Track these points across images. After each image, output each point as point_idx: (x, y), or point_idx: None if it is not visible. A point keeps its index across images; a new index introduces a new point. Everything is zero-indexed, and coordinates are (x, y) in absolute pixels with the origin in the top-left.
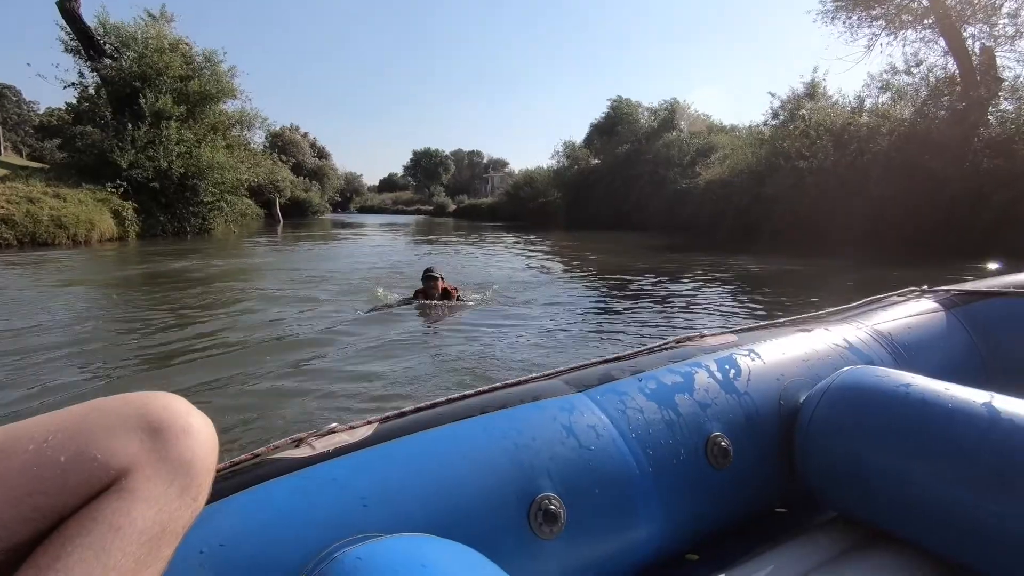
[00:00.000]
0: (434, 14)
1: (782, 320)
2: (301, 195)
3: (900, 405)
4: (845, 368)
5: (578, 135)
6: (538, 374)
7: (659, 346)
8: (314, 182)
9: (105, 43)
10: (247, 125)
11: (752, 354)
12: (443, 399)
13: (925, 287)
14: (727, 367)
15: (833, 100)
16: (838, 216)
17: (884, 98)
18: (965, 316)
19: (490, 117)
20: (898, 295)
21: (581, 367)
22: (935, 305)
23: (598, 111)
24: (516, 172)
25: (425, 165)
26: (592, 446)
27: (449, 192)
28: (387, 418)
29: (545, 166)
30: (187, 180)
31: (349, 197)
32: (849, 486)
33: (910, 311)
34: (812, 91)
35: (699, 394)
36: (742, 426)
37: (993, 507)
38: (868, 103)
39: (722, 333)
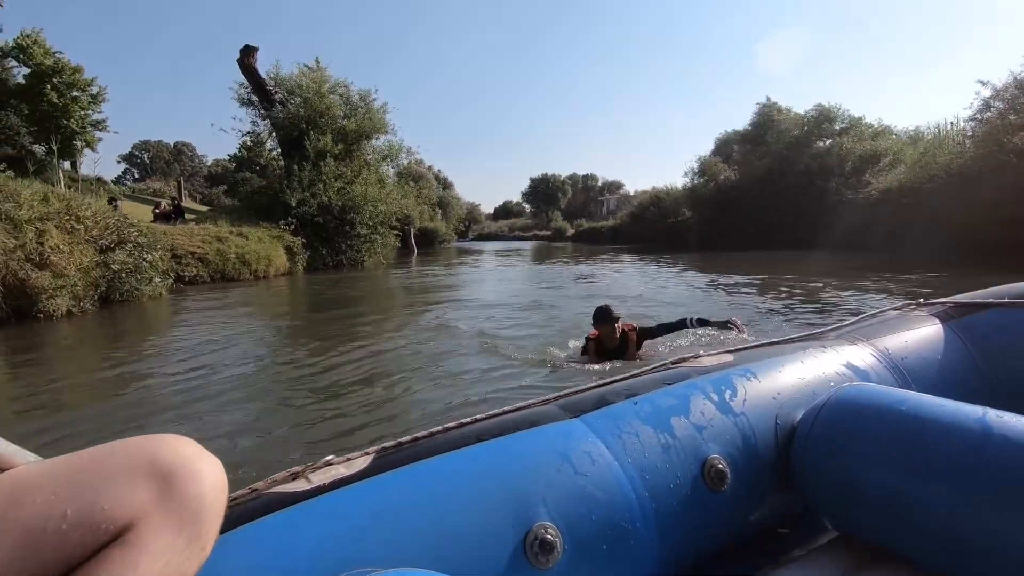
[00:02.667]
0: (543, 44)
1: (778, 338)
2: (429, 225)
3: (896, 422)
4: (841, 385)
5: (697, 152)
6: (534, 400)
7: (655, 367)
8: (438, 211)
9: (275, 93)
10: (393, 157)
11: (748, 374)
12: (440, 428)
13: (921, 300)
14: (723, 388)
15: None
16: None
17: None
18: (961, 328)
19: (602, 140)
20: (894, 309)
21: (576, 392)
22: (931, 319)
23: (724, 125)
24: (632, 193)
25: (543, 191)
26: (588, 472)
27: (565, 216)
28: (384, 449)
29: (668, 185)
30: (345, 214)
31: (468, 225)
32: (848, 505)
33: (906, 326)
34: None
35: (695, 416)
36: (739, 447)
37: (991, 524)
38: None
39: (718, 353)
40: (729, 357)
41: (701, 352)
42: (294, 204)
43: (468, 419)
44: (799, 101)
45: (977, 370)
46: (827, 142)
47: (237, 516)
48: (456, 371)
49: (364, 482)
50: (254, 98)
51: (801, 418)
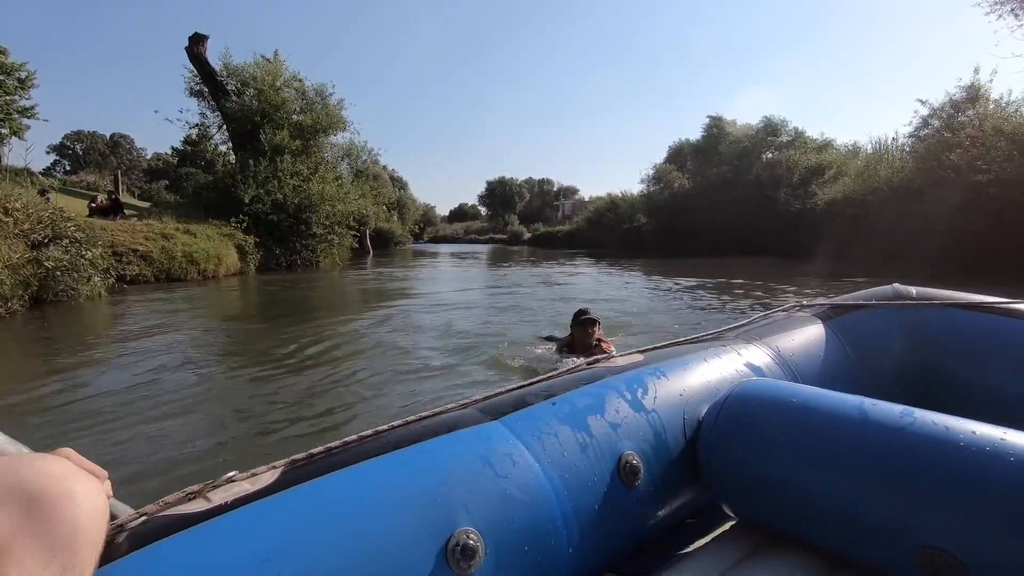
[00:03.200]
0: (499, 46)
1: (684, 339)
2: (384, 226)
3: (787, 413)
4: (740, 382)
5: (652, 160)
6: (452, 404)
7: (571, 368)
8: (393, 213)
9: (227, 84)
10: (355, 156)
11: (658, 373)
12: (354, 438)
13: (803, 302)
14: (635, 386)
15: (1005, 103)
16: None
17: None
18: (838, 327)
19: (558, 146)
20: (783, 311)
21: (495, 395)
22: (814, 319)
23: (673, 135)
24: (587, 198)
25: (500, 194)
26: (509, 475)
27: (521, 220)
28: (294, 462)
29: (624, 191)
30: (301, 213)
31: (423, 227)
32: (747, 492)
33: (793, 325)
34: (974, 95)
35: (610, 414)
36: (651, 443)
37: (868, 502)
38: None
39: (629, 353)
40: (640, 357)
41: (614, 352)
42: (247, 201)
43: (384, 427)
44: (743, 115)
45: (853, 363)
46: (775, 154)
47: (122, 544)
48: (399, 374)
49: (271, 498)
50: (204, 88)
51: (705, 413)
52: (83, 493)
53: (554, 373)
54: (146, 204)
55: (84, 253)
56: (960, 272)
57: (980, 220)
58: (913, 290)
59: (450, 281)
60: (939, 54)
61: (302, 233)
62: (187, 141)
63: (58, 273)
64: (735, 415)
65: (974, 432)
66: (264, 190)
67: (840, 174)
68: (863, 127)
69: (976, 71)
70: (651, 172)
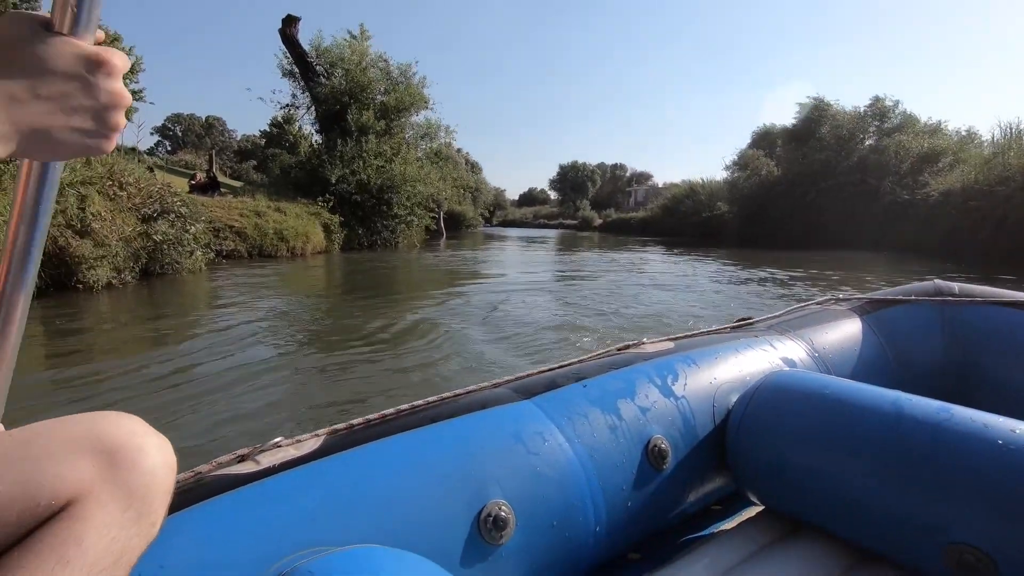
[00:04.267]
0: (574, 31)
1: (716, 328)
2: (457, 208)
3: (819, 405)
4: (771, 372)
5: (735, 146)
6: (486, 383)
7: (602, 353)
8: (467, 195)
9: (317, 65)
10: (433, 135)
11: (688, 361)
12: (392, 411)
13: (840, 296)
14: (665, 373)
15: None
16: None
17: None
18: (875, 322)
19: (631, 130)
20: (818, 303)
21: (528, 376)
22: (850, 312)
23: (757, 121)
24: (660, 185)
25: (571, 178)
26: (539, 452)
27: (592, 206)
28: (335, 431)
29: (705, 178)
30: (383, 194)
31: (493, 211)
32: (774, 481)
33: (828, 319)
34: None
35: (640, 399)
36: (679, 429)
37: (898, 496)
38: None
39: (660, 340)
40: (670, 344)
41: (644, 339)
42: (333, 181)
43: (421, 402)
44: (843, 98)
45: (888, 358)
46: (882, 139)
47: (180, 500)
48: (459, 355)
49: (315, 463)
50: (295, 69)
51: (736, 402)
52: (155, 447)
53: (584, 357)
54: (238, 183)
55: (188, 228)
56: None
57: None
58: (955, 286)
59: (519, 264)
60: None
61: (383, 214)
62: (274, 123)
63: (165, 247)
64: (765, 404)
65: (1013, 431)
66: (349, 170)
67: (957, 161)
68: (972, 115)
69: None
70: (735, 158)
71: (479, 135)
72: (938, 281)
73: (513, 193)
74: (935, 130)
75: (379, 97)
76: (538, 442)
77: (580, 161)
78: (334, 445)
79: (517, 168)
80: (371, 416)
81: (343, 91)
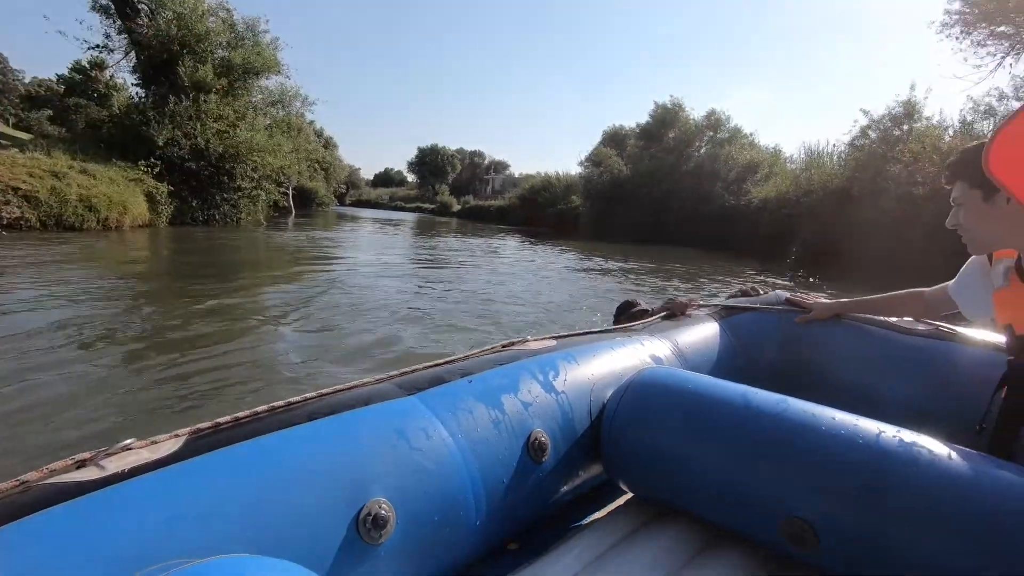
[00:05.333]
0: (440, 9)
1: (596, 329)
2: (308, 185)
3: (681, 398)
4: (642, 368)
5: (589, 143)
6: (369, 379)
7: (487, 350)
8: (319, 172)
9: (140, 3)
10: (287, 104)
11: (569, 358)
12: (265, 408)
13: (701, 303)
14: (547, 369)
15: (935, 122)
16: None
17: (987, 125)
18: (729, 326)
19: (490, 119)
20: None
21: (412, 371)
22: (710, 318)
23: (608, 120)
24: (517, 175)
25: (430, 162)
26: (423, 447)
27: (451, 191)
28: (198, 431)
29: (562, 171)
30: (224, 163)
31: (347, 190)
32: (641, 470)
33: (692, 322)
34: (910, 111)
35: (522, 394)
36: (559, 422)
37: (745, 477)
38: (984, 127)
39: (544, 338)
40: (553, 342)
41: (528, 337)
42: (161, 143)
43: (298, 398)
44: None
45: (739, 357)
46: (714, 148)
47: (1, 514)
48: (320, 346)
49: (174, 466)
50: (109, 4)
51: (610, 396)
52: None
53: (470, 353)
54: (26, 135)
55: None
56: (892, 273)
57: (915, 230)
58: (809, 296)
59: (376, 247)
60: (892, 72)
61: (224, 185)
62: (77, 68)
63: None
64: (635, 399)
65: (833, 418)
66: (182, 132)
67: (772, 174)
68: (805, 135)
69: (912, 88)
70: (587, 155)
71: (335, 109)
72: (780, 292)
73: (369, 172)
74: (752, 144)
75: (220, 52)
76: (421, 438)
77: (440, 145)
78: (198, 447)
79: (374, 147)
80: (240, 414)
81: (173, 38)
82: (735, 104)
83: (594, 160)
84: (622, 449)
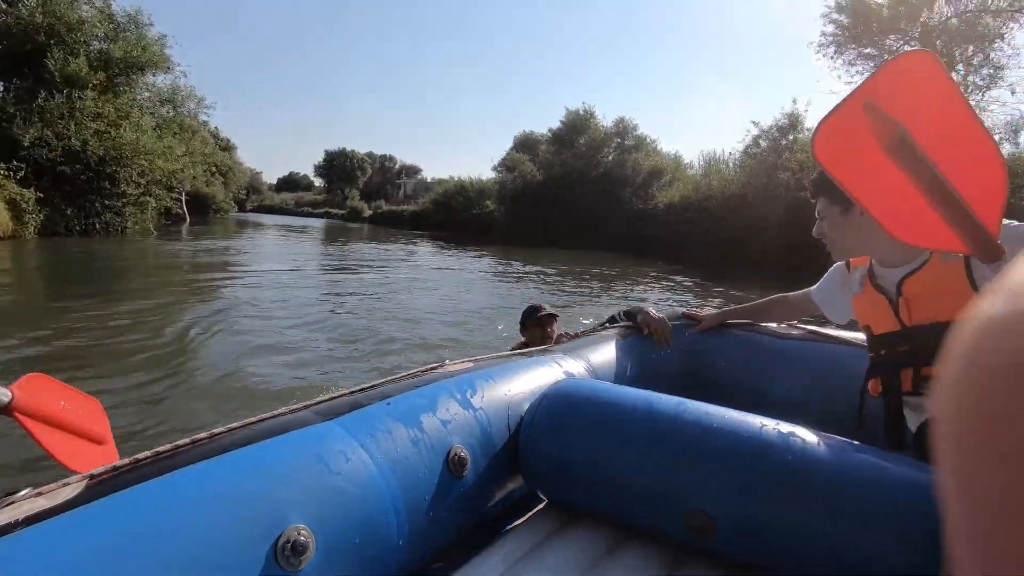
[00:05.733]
0: (350, 9)
1: (512, 352)
2: (204, 190)
3: (591, 406)
4: (556, 382)
5: (501, 147)
6: (284, 408)
7: (406, 375)
8: (216, 177)
9: None
10: (178, 105)
11: (487, 376)
12: (167, 448)
13: (607, 324)
14: (465, 388)
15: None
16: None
17: None
18: (636, 341)
19: (400, 122)
20: (600, 327)
21: (332, 398)
22: (617, 335)
23: (521, 125)
24: (429, 180)
25: (339, 166)
26: (342, 471)
27: (362, 196)
28: (94, 476)
29: (475, 176)
30: (106, 166)
31: (248, 195)
32: (556, 476)
33: (604, 340)
34: (794, 122)
35: (441, 412)
36: (478, 437)
37: (650, 476)
38: None
39: (462, 361)
40: (471, 364)
41: (447, 360)
42: (26, 144)
43: (204, 435)
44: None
45: (647, 367)
46: (622, 155)
47: None
48: (228, 371)
49: (75, 511)
50: None
51: (527, 409)
52: None
53: (390, 378)
54: None
55: None
56: (787, 272)
57: (806, 234)
58: (702, 310)
59: (280, 257)
60: (783, 86)
61: (105, 191)
62: None
63: None
64: (550, 409)
65: (724, 415)
66: (53, 132)
67: (675, 180)
68: (704, 142)
69: (795, 101)
70: (499, 160)
71: (235, 111)
72: (680, 309)
73: (272, 176)
74: (656, 151)
75: (97, 44)
76: (340, 461)
77: (349, 148)
78: (101, 491)
79: (278, 150)
80: (140, 456)
81: (38, 27)
82: (640, 111)
83: (507, 165)
84: (538, 458)
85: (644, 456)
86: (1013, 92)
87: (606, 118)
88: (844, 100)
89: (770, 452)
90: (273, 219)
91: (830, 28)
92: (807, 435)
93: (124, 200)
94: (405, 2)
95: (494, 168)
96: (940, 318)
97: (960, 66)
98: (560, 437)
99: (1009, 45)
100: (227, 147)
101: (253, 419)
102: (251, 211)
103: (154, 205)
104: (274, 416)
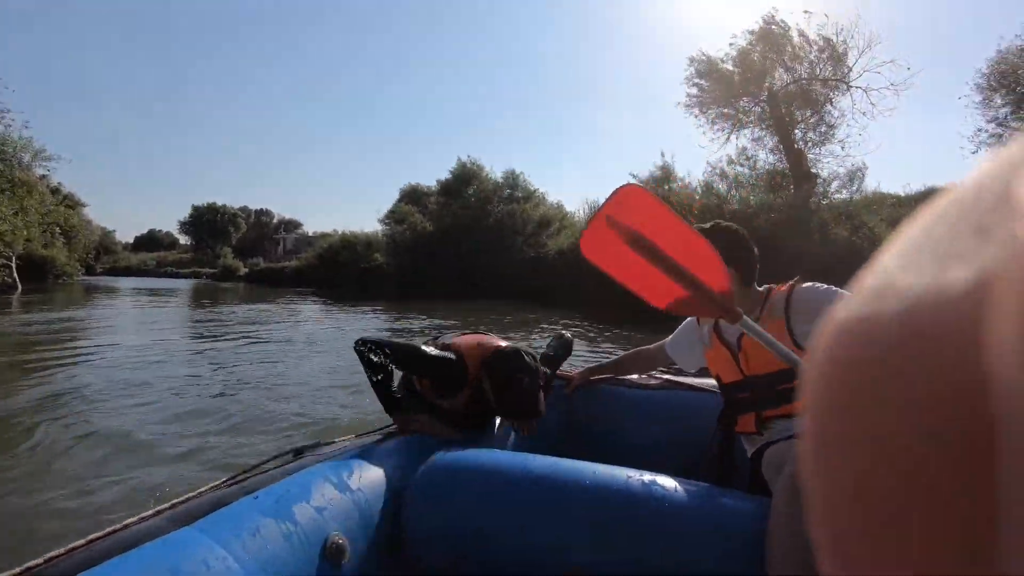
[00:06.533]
0: (204, 53)
1: (382, 427)
2: (41, 252)
3: (471, 474)
4: (433, 455)
5: (386, 199)
6: (133, 518)
7: (276, 458)
8: (57, 235)
9: None
10: (7, 158)
11: (365, 454)
12: None
13: None
14: (342, 470)
15: (685, 181)
16: None
17: (722, 186)
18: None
19: (274, 175)
20: None
21: (188, 499)
22: None
23: (406, 178)
24: (311, 233)
25: (209, 221)
26: None
27: (236, 253)
28: None
29: (359, 229)
30: None
31: (98, 256)
32: (440, 551)
33: None
34: (667, 174)
35: (316, 499)
36: (356, 521)
37: (531, 535)
38: (722, 187)
39: (340, 440)
40: (348, 442)
41: (320, 441)
42: None
43: (38, 561)
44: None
45: (566, 428)
46: (512, 205)
47: None
48: (65, 477)
49: None
50: None
51: (407, 486)
52: None
53: (257, 465)
54: None
55: None
56: (669, 315)
57: None
58: (574, 370)
59: (137, 328)
60: (657, 140)
61: None
62: None
63: None
64: (430, 483)
65: (595, 471)
66: None
67: (562, 227)
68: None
69: (663, 155)
70: (387, 211)
71: (81, 164)
72: (564, 366)
73: (127, 235)
74: (543, 201)
75: None
76: (201, 572)
77: (219, 203)
78: None
79: (133, 206)
80: None
81: None
82: (525, 164)
83: (396, 218)
84: (421, 534)
85: (524, 518)
86: (843, 147)
87: (495, 170)
88: (593, 217)
89: (634, 501)
90: (130, 282)
91: (694, 90)
92: (666, 481)
93: None
94: (271, 56)
95: (380, 220)
96: (771, 368)
97: (802, 124)
98: (441, 510)
99: (836, 108)
100: (73, 204)
101: (97, 535)
102: (103, 274)
103: None
104: (123, 527)
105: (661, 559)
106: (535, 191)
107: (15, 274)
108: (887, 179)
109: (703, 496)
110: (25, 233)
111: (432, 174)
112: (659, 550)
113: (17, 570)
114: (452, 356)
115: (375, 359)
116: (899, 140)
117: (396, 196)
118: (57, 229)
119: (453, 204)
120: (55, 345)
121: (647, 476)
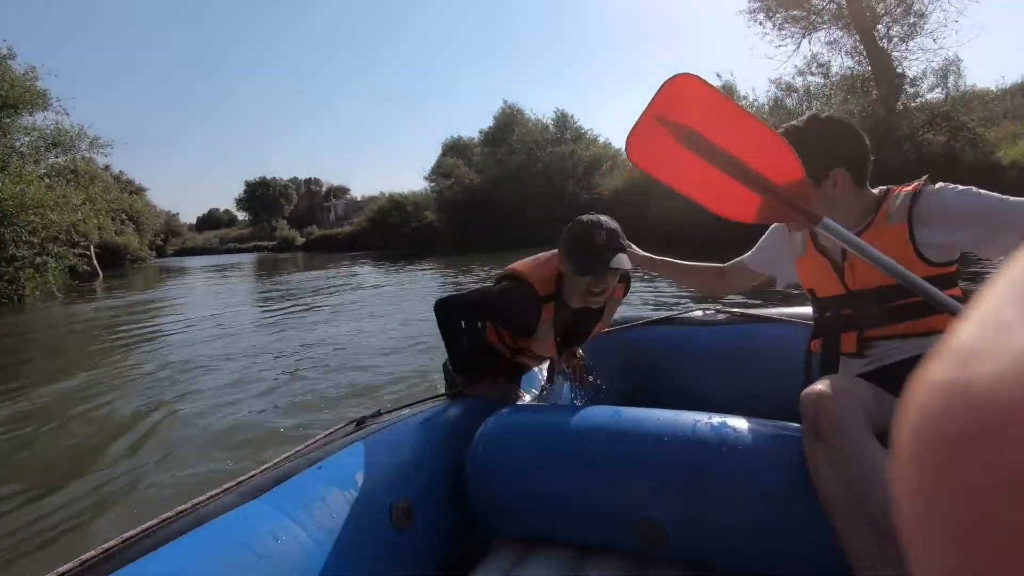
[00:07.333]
0: (242, 36)
1: (440, 394)
2: (114, 240)
3: (530, 433)
4: (491, 416)
5: (430, 155)
6: (203, 497)
7: (338, 430)
8: (127, 224)
9: None
10: (67, 148)
11: (423, 421)
12: (75, 564)
13: None
14: (402, 436)
15: (749, 100)
16: None
17: (790, 101)
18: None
19: (323, 143)
20: None
21: (254, 474)
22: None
23: (448, 131)
24: (360, 198)
25: (262, 196)
26: (272, 554)
27: (291, 224)
28: None
29: (408, 189)
30: None
31: (166, 239)
32: (507, 510)
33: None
34: (728, 94)
35: (379, 467)
36: (421, 485)
37: (596, 491)
38: (789, 103)
39: (397, 408)
40: (406, 411)
41: (380, 411)
42: None
43: (114, 542)
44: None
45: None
46: (561, 148)
47: None
48: (159, 464)
49: None
50: None
51: (468, 449)
52: None
53: (320, 437)
54: None
55: None
56: (727, 246)
57: None
58: (628, 315)
59: (214, 303)
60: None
61: None
62: None
63: None
64: (491, 444)
65: (657, 418)
66: None
67: (614, 166)
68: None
69: (719, 76)
70: (431, 168)
71: (138, 150)
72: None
73: (190, 216)
74: (594, 141)
75: None
76: (270, 543)
77: (269, 176)
78: None
79: (191, 187)
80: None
81: None
82: (573, 104)
83: (442, 172)
84: (486, 494)
85: (587, 473)
86: (935, 39)
87: (537, 113)
88: (639, 118)
89: (703, 448)
90: (198, 261)
91: None
92: (739, 423)
93: (16, 264)
94: (298, 14)
95: (426, 177)
96: (883, 282)
97: (886, 17)
98: (503, 470)
99: None
100: (136, 190)
101: (169, 514)
102: (172, 255)
103: (54, 265)
104: (192, 508)
105: (736, 506)
106: (585, 132)
107: (95, 262)
108: (977, 71)
109: (781, 437)
110: (95, 221)
111: (474, 126)
112: (733, 497)
113: (93, 553)
114: (515, 284)
115: (450, 319)
116: (991, 24)
117: (439, 152)
118: (124, 216)
119: (498, 152)
120: (140, 324)
121: (716, 419)
